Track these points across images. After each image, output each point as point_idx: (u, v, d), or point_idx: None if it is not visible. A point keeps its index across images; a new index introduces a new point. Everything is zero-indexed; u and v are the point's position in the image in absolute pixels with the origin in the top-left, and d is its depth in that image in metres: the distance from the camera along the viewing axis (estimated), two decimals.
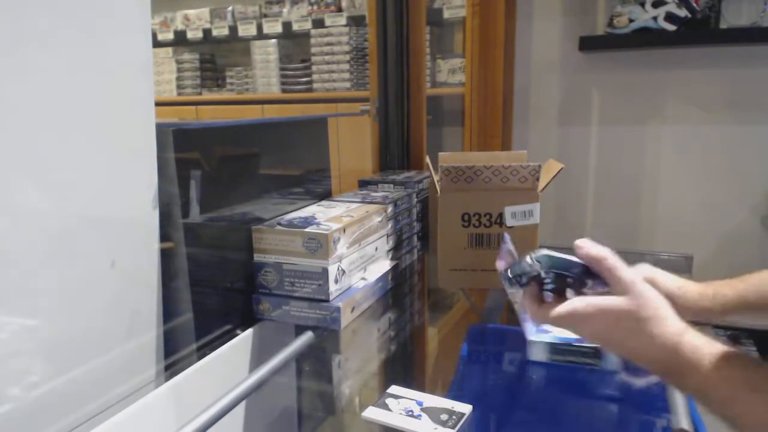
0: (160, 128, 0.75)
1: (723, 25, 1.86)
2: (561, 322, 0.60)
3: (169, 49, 3.15)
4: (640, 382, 0.71)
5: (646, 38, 1.90)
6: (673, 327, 0.57)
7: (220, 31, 2.99)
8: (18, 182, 0.59)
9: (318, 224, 0.92)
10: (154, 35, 3.08)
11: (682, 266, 1.31)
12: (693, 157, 2.03)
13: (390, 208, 1.13)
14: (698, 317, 0.69)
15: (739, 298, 0.70)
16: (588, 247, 0.60)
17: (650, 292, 0.58)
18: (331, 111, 2.12)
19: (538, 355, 0.83)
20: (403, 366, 0.94)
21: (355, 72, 2.68)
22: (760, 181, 1.95)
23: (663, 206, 2.09)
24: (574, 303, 0.59)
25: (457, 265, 1.03)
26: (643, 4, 1.87)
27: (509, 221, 1.05)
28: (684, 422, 0.66)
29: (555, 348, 0.82)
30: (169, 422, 0.72)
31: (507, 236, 0.82)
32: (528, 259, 0.63)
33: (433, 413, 0.67)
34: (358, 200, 1.13)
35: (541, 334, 0.84)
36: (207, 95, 3.11)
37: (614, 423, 0.73)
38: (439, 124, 2.33)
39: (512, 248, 0.78)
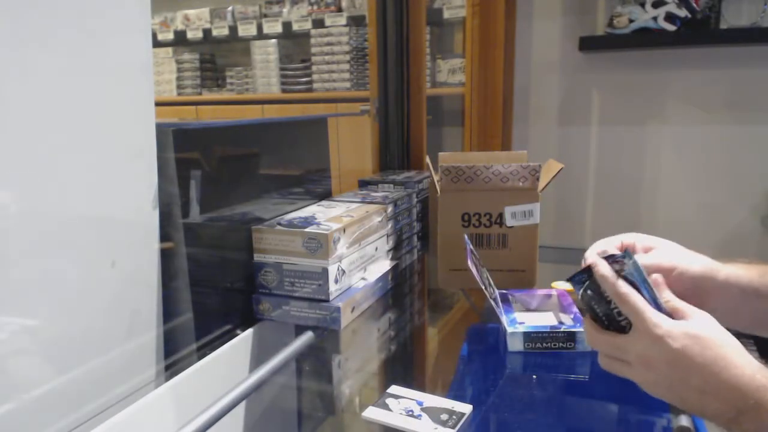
0: (160, 128, 0.75)
1: (723, 26, 1.86)
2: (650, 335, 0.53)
3: (169, 49, 3.15)
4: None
5: (646, 38, 1.90)
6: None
7: (220, 31, 2.99)
8: (18, 182, 0.59)
9: (318, 224, 0.92)
10: (154, 35, 3.08)
11: None
12: (693, 157, 2.02)
13: (390, 208, 1.13)
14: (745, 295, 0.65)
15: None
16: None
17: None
18: (331, 111, 2.12)
19: (515, 345, 0.84)
20: (403, 366, 0.94)
21: (355, 72, 2.68)
22: (760, 181, 1.95)
23: (663, 206, 2.09)
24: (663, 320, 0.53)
25: (457, 265, 1.02)
26: (643, 4, 1.87)
27: (509, 221, 1.05)
28: (684, 420, 0.66)
29: (530, 336, 0.83)
30: (169, 422, 0.72)
31: (466, 237, 0.90)
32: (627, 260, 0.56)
33: (433, 413, 0.67)
34: (358, 200, 1.13)
35: (517, 325, 0.85)
36: (207, 95, 3.11)
37: (614, 422, 0.73)
38: (439, 124, 2.33)
39: (472, 247, 0.87)
